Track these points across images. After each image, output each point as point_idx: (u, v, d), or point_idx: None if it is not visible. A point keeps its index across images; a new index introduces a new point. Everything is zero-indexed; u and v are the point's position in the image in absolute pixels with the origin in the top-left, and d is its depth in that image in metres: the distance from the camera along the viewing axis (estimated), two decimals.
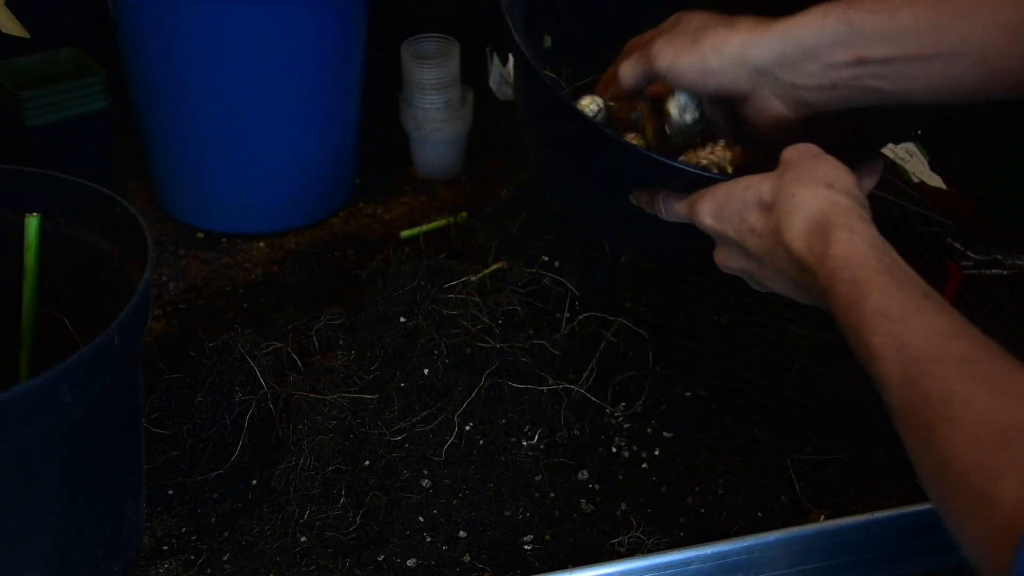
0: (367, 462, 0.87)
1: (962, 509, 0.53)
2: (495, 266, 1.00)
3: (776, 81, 0.79)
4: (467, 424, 0.89)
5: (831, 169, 0.71)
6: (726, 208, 0.73)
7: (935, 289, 0.63)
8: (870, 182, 0.79)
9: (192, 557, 0.83)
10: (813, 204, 0.68)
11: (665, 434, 0.93)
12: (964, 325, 0.60)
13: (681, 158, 0.85)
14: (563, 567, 0.78)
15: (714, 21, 0.81)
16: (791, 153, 0.73)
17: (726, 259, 0.76)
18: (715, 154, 0.84)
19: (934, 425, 0.55)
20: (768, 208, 0.71)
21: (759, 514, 0.85)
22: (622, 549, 0.82)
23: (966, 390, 0.55)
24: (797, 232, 0.68)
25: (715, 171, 0.82)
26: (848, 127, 0.85)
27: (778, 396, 0.96)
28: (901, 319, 0.60)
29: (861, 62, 0.75)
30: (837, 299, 0.64)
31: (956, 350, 0.57)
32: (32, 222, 0.77)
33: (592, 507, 0.86)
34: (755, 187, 0.72)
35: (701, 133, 0.88)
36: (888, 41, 0.74)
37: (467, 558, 0.81)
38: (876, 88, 0.76)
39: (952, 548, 0.86)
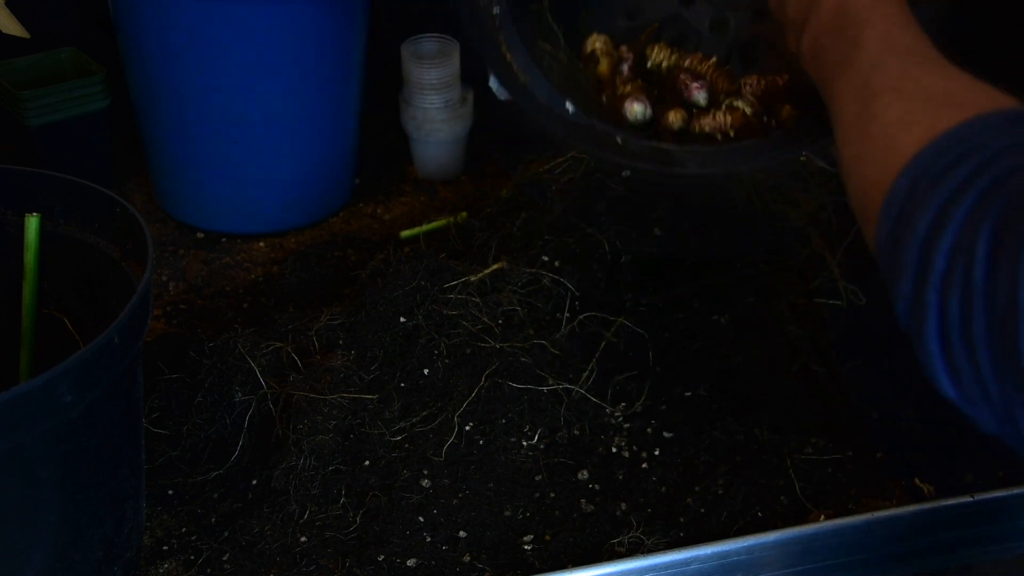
0: (367, 462, 0.87)
1: (873, 154, 0.61)
2: (495, 266, 1.00)
3: None
4: (467, 424, 0.89)
5: None
6: None
7: None
8: None
9: (192, 557, 0.83)
10: None
11: (665, 434, 0.93)
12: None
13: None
14: (563, 567, 0.78)
15: None
16: None
17: None
18: (717, 119, 0.85)
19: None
20: None
21: (759, 514, 0.85)
22: (622, 549, 0.82)
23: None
24: None
25: (719, 137, 0.84)
26: None
27: (778, 396, 0.96)
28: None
29: None
30: None
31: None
32: (32, 222, 0.77)
33: (592, 507, 0.86)
34: None
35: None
36: None
37: (467, 558, 0.81)
38: None
39: (952, 548, 0.87)
